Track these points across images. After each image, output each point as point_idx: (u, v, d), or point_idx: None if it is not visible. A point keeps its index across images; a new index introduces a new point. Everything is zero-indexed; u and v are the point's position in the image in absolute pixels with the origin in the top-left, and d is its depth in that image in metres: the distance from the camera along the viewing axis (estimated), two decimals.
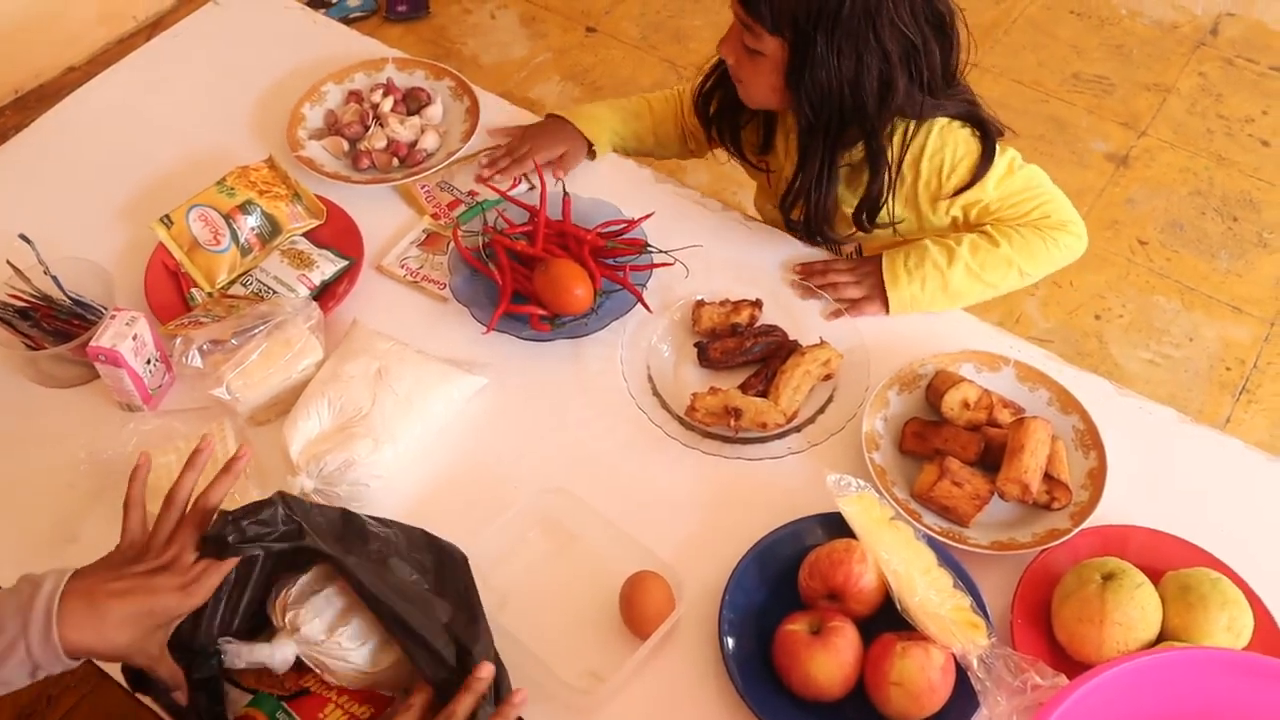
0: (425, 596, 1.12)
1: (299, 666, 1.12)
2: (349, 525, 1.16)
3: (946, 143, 1.51)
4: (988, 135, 1.51)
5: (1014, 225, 1.56)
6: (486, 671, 1.07)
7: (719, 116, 1.68)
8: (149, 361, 1.42)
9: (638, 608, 1.23)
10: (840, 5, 1.36)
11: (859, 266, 1.60)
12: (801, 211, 1.59)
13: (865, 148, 1.50)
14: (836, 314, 1.54)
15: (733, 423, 1.40)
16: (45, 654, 0.99)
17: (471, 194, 1.71)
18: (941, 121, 1.51)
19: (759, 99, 1.53)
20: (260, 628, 1.14)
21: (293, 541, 1.09)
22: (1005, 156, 1.53)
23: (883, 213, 1.56)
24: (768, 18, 1.40)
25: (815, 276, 1.60)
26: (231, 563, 1.08)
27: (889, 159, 1.50)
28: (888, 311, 1.56)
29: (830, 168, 1.52)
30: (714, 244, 1.64)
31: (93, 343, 1.37)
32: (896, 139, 1.50)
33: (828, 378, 1.47)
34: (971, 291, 1.56)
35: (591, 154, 1.78)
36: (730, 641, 1.21)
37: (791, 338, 1.52)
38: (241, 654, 1.10)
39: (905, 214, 1.58)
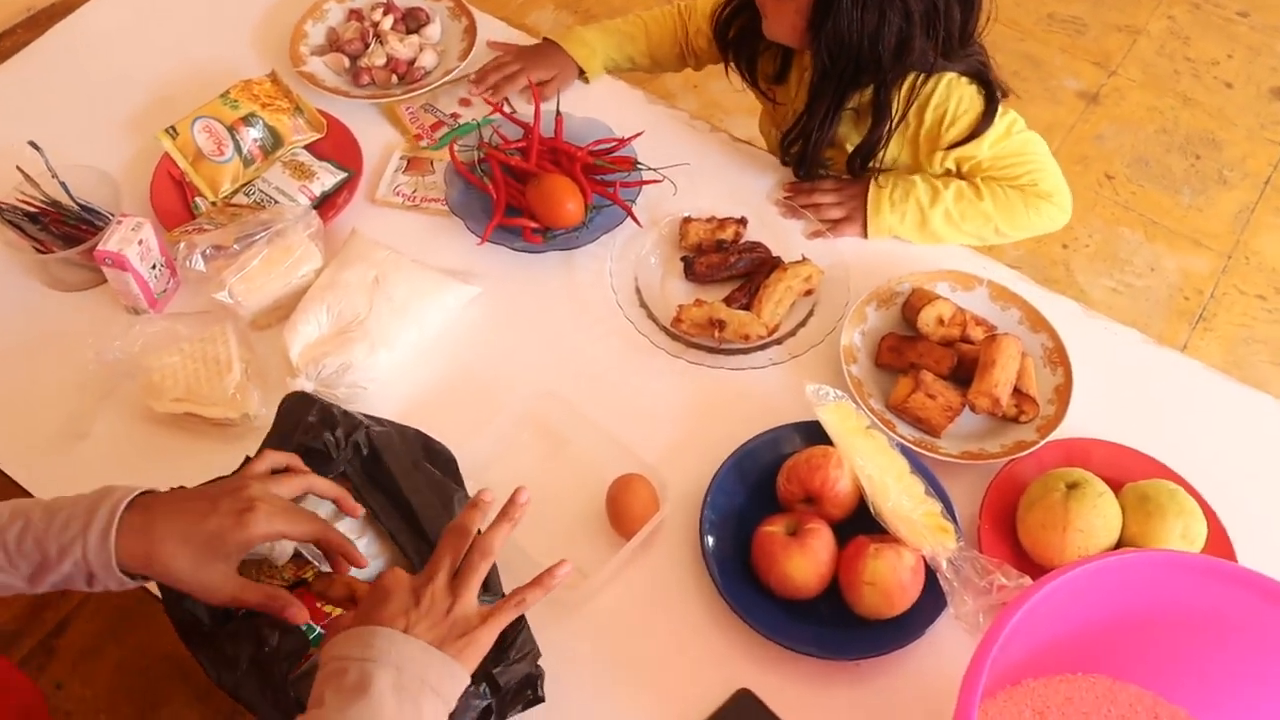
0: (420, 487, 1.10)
1: (298, 558, 1.10)
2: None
3: (951, 96, 1.45)
4: (991, 96, 1.46)
5: (1002, 185, 1.51)
6: (524, 497, 1.01)
7: (737, 42, 1.60)
8: (154, 266, 1.39)
9: (623, 509, 1.21)
10: None
11: (844, 188, 1.56)
12: (800, 148, 1.54)
13: (873, 97, 1.45)
14: (817, 234, 1.51)
15: (717, 334, 1.37)
16: (100, 559, 0.91)
17: (454, 116, 1.66)
18: (950, 75, 1.45)
19: (780, 34, 1.47)
20: None
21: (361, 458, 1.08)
22: (1006, 119, 1.48)
23: (876, 159, 1.51)
24: None
25: (801, 195, 1.56)
26: (298, 483, 1.01)
27: (893, 111, 1.45)
28: (865, 236, 1.53)
29: (836, 111, 1.47)
30: (702, 164, 1.60)
31: (100, 247, 1.33)
32: (905, 86, 1.44)
33: (809, 293, 1.44)
34: (946, 235, 1.52)
35: (584, 78, 1.73)
36: (710, 541, 1.20)
37: (775, 254, 1.48)
38: None
39: (903, 155, 1.53)
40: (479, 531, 0.99)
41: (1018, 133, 1.49)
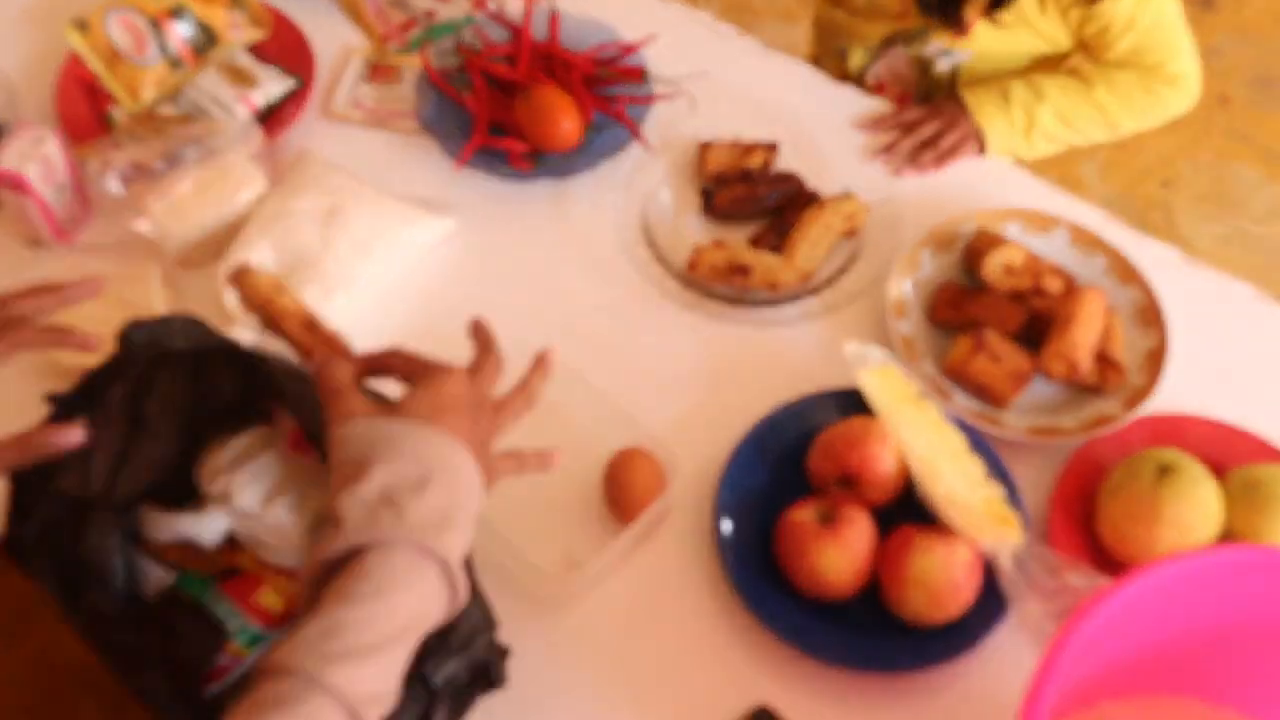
0: None
1: (231, 541, 1.12)
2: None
3: None
4: None
5: (1116, 68, 1.54)
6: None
7: None
8: (59, 188, 1.40)
9: (624, 488, 1.23)
10: None
11: (938, 112, 1.58)
12: None
13: None
14: (940, 159, 1.54)
15: (739, 281, 1.39)
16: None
17: (429, 14, 1.67)
18: None
19: None
20: (185, 496, 1.13)
21: (210, 344, 1.07)
22: None
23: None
24: None
25: (905, 139, 1.56)
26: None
27: None
28: (984, 150, 1.56)
29: None
30: (725, 76, 1.61)
31: None
32: None
33: (851, 234, 1.45)
34: (1055, 134, 1.57)
35: None
36: (727, 527, 1.21)
37: (810, 187, 1.49)
38: (164, 525, 1.09)
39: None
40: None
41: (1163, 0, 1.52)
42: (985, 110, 1.55)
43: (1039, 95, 1.55)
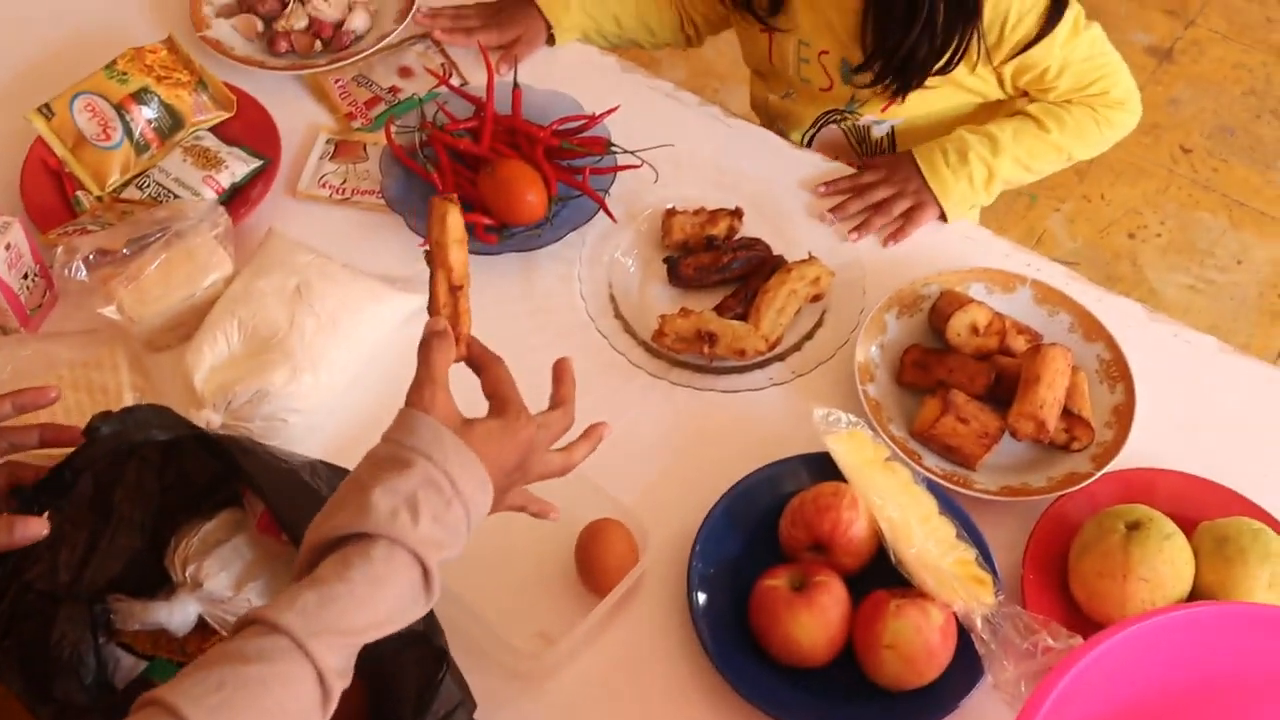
0: None
1: (202, 628, 1.11)
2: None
3: None
4: None
5: (1063, 105, 1.57)
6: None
7: None
8: (25, 275, 1.40)
9: (596, 560, 1.23)
10: None
11: (893, 173, 1.58)
12: (891, 48, 1.54)
13: None
14: (895, 236, 1.55)
15: (706, 349, 1.39)
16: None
17: (393, 90, 1.69)
18: None
19: None
20: (156, 584, 1.13)
21: (178, 432, 1.06)
22: (1073, 13, 1.53)
23: (948, 64, 1.55)
24: None
25: (855, 202, 1.57)
26: None
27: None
28: (944, 218, 1.57)
29: None
30: (689, 144, 1.62)
31: None
32: None
33: (817, 298, 1.46)
34: (1015, 179, 1.60)
35: (550, 40, 1.75)
36: (701, 598, 1.21)
37: (775, 252, 1.51)
38: (134, 614, 1.09)
39: (953, 78, 1.58)
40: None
41: (1085, 27, 1.54)
42: (941, 175, 1.55)
43: (996, 148, 1.56)
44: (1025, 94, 1.63)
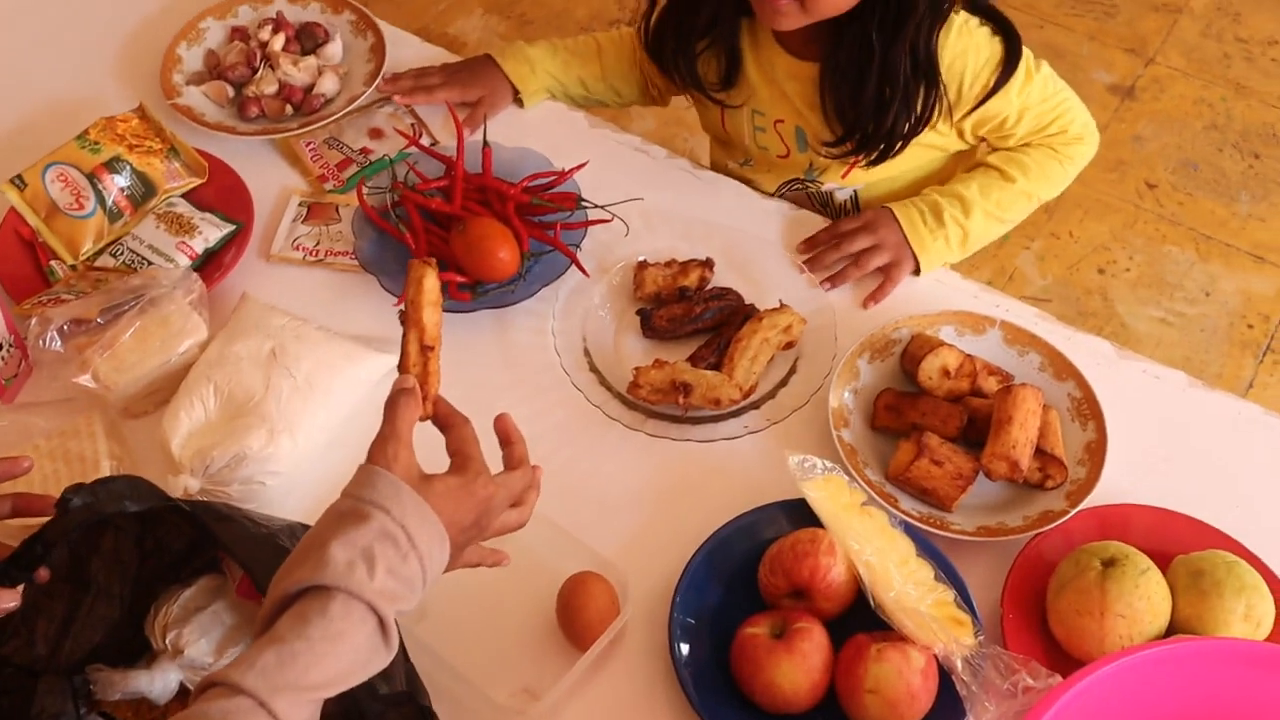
0: None
1: (183, 695, 1.11)
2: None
3: (968, 46, 1.51)
4: (1009, 34, 1.52)
5: (1024, 150, 1.59)
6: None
7: (675, 52, 1.65)
8: (0, 347, 1.40)
9: (577, 614, 1.23)
10: None
11: (873, 228, 1.58)
12: (854, 128, 1.56)
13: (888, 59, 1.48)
14: (876, 297, 1.55)
15: (681, 400, 1.40)
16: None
17: (364, 152, 1.70)
18: (959, 19, 1.51)
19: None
20: (136, 652, 1.13)
21: (151, 503, 1.07)
22: (1023, 58, 1.55)
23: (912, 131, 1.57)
24: None
25: (831, 252, 1.58)
26: None
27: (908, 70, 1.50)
28: (918, 272, 1.58)
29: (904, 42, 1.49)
30: (658, 197, 1.64)
31: None
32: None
33: (789, 346, 1.47)
34: (990, 234, 1.61)
35: (518, 101, 1.77)
36: (683, 649, 1.22)
37: (747, 301, 1.52)
38: (115, 683, 1.09)
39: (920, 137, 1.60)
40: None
41: (1035, 70, 1.56)
42: (919, 233, 1.57)
43: (966, 208, 1.57)
44: (989, 144, 1.65)
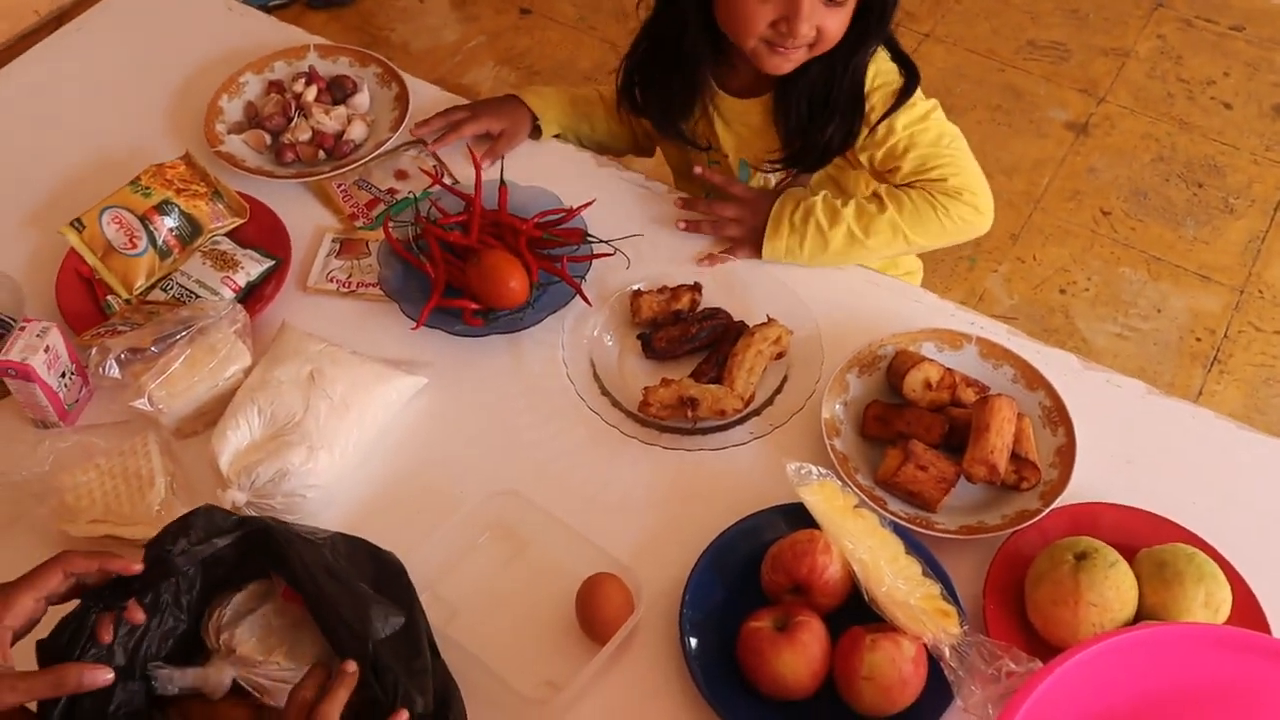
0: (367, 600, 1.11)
1: (236, 691, 1.10)
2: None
3: (880, 69, 1.56)
4: (911, 71, 1.56)
5: (906, 191, 1.58)
6: (352, 668, 1.03)
7: (653, 107, 1.69)
8: (64, 374, 1.40)
9: (595, 612, 1.23)
10: None
11: (748, 203, 1.63)
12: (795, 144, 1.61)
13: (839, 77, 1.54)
14: (711, 259, 1.61)
15: (690, 413, 1.40)
16: None
17: (390, 191, 1.70)
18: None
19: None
20: (194, 652, 1.12)
21: (231, 531, 1.10)
22: (927, 104, 1.57)
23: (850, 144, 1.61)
24: None
25: (702, 204, 1.66)
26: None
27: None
28: (760, 257, 1.60)
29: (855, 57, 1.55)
30: (656, 231, 1.65)
31: (2, 357, 1.35)
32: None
33: (780, 356, 1.48)
34: (853, 253, 1.60)
35: (536, 133, 1.78)
36: (693, 642, 1.21)
37: (737, 319, 1.52)
38: (174, 679, 1.08)
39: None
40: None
41: (937, 122, 1.58)
42: (779, 226, 1.59)
43: (835, 219, 1.57)
44: (881, 177, 1.65)
